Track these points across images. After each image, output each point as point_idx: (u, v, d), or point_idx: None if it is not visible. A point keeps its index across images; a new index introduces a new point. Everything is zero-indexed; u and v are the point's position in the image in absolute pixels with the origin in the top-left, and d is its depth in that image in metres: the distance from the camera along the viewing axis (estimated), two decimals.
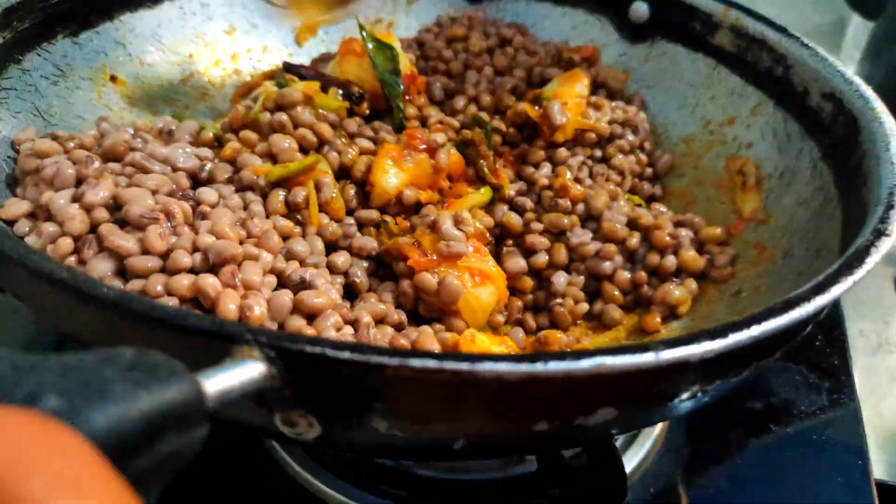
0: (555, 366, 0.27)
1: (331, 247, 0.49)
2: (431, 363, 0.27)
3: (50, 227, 0.39)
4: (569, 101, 0.66)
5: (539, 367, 0.27)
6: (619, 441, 0.56)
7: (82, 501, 0.16)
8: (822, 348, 0.66)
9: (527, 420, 0.31)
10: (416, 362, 0.27)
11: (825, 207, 0.53)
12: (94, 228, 0.40)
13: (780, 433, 0.59)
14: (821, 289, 0.34)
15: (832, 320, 0.70)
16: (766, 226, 0.59)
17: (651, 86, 0.75)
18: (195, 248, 0.40)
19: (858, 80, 0.56)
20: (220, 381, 0.25)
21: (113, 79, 0.67)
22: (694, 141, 0.70)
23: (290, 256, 0.45)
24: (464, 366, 0.27)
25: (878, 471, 0.57)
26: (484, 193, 0.58)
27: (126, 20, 0.68)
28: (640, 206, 0.62)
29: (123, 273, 0.39)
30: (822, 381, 0.63)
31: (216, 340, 0.27)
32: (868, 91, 0.54)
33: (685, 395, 0.33)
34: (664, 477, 0.56)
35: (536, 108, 0.65)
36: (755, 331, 0.31)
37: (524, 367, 0.27)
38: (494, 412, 0.30)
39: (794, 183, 0.59)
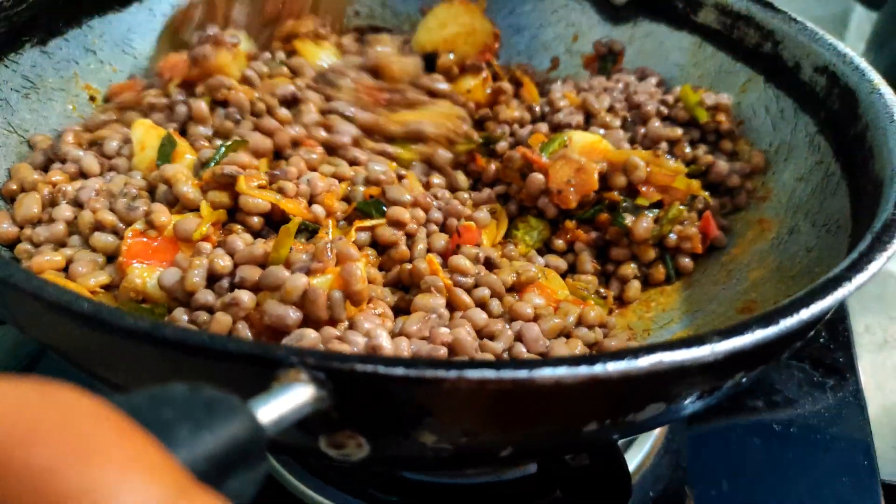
0: (614, 366, 0.27)
1: None
2: (489, 373, 0.26)
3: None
4: None
5: (598, 368, 0.26)
6: (619, 443, 0.55)
7: (97, 468, 0.15)
8: (827, 344, 0.65)
9: (578, 422, 0.30)
10: (473, 373, 0.26)
11: (827, 182, 0.53)
12: None
13: (783, 432, 0.57)
14: (856, 267, 0.33)
15: (837, 315, 0.67)
16: (766, 202, 0.59)
17: (637, 67, 0.74)
18: None
19: (851, 53, 0.56)
20: (273, 410, 0.24)
21: (86, 88, 0.64)
22: None
23: None
24: (522, 373, 0.26)
25: (886, 470, 0.55)
26: None
27: (95, 25, 0.65)
28: None
29: None
30: (826, 379, 0.61)
31: (260, 365, 0.26)
32: (862, 63, 0.54)
33: (730, 384, 0.33)
34: (664, 479, 0.54)
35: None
36: (804, 314, 0.30)
37: (583, 370, 0.26)
38: (547, 417, 0.30)
39: (791, 158, 0.59)
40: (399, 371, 0.26)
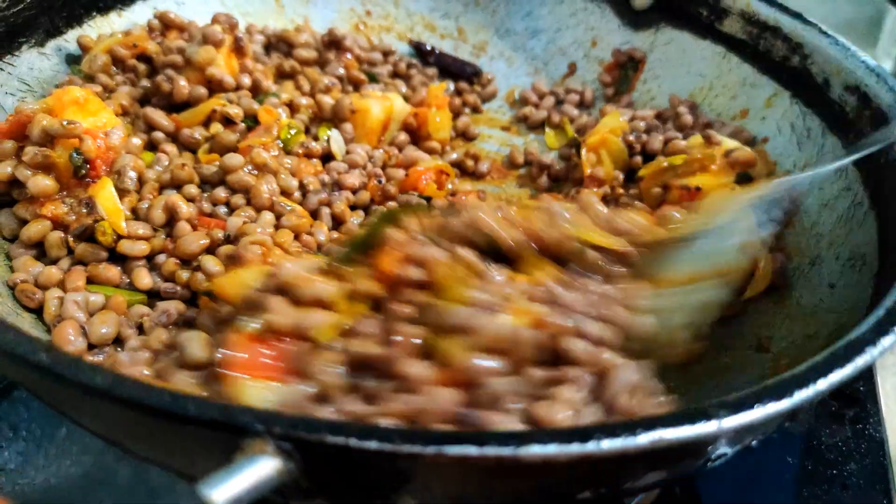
0: (609, 444, 0.24)
1: None
2: (472, 450, 0.24)
3: None
4: None
5: (591, 446, 0.24)
6: None
7: None
8: None
9: (571, 490, 0.28)
10: (454, 450, 0.24)
11: (854, 211, 0.50)
12: None
13: (798, 466, 0.54)
14: (882, 328, 0.31)
15: None
16: (788, 228, 0.56)
17: (658, 75, 0.71)
18: None
19: (885, 72, 0.52)
20: (231, 489, 0.22)
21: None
22: None
23: None
24: (506, 451, 0.24)
25: None
26: None
27: (96, 25, 0.63)
28: None
29: None
30: (845, 410, 0.58)
31: (223, 432, 0.24)
32: None
33: (739, 448, 0.31)
34: None
35: None
36: (822, 385, 0.28)
37: (575, 448, 0.24)
38: (537, 487, 0.27)
39: (816, 182, 0.56)
40: (372, 445, 0.24)
